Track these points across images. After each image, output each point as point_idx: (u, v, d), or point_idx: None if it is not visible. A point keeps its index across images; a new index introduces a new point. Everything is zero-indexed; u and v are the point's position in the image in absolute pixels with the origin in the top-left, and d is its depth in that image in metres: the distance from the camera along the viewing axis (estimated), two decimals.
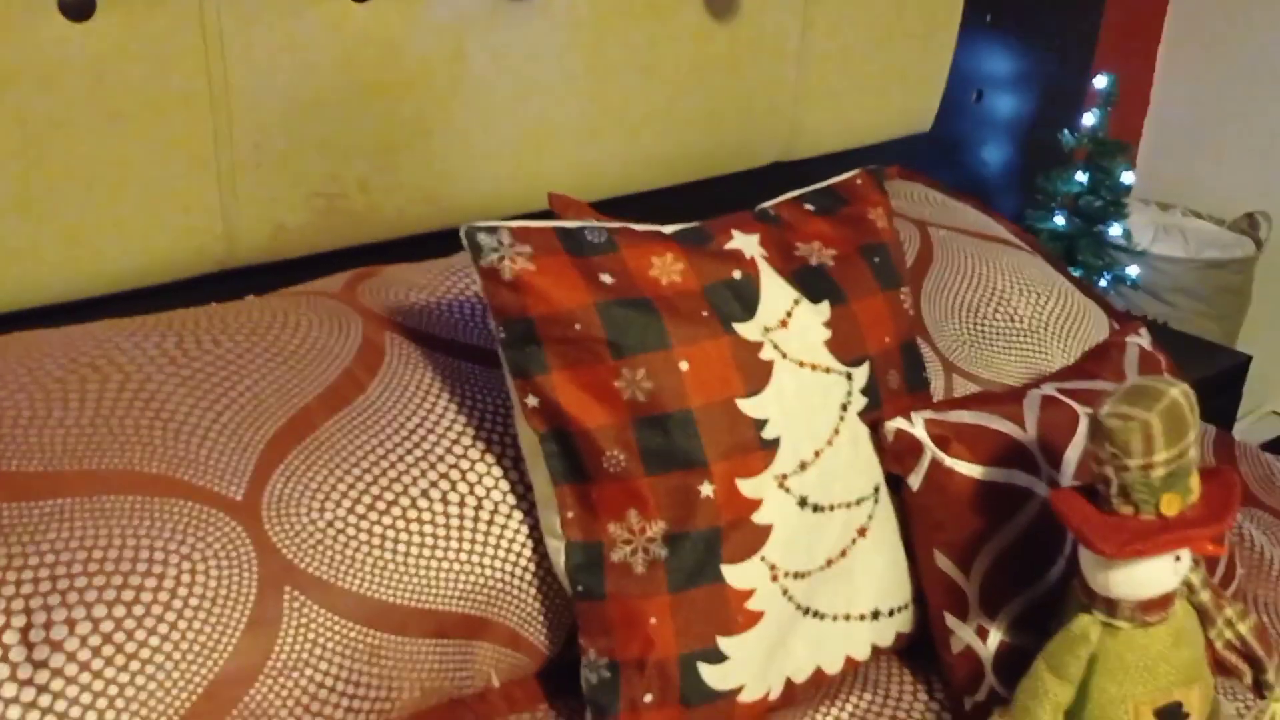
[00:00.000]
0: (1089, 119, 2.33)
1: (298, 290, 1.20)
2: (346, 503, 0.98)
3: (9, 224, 1.12)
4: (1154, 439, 0.85)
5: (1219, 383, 2.20)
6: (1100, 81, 2.33)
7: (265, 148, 1.25)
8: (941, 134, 2.11)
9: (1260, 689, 0.97)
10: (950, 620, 1.05)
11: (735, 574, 0.98)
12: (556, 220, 1.04)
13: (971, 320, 1.49)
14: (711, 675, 0.98)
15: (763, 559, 0.99)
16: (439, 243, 1.39)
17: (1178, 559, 0.89)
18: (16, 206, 1.11)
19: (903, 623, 1.11)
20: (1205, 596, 0.94)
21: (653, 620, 0.96)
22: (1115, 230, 2.36)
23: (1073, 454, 1.08)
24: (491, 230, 0.97)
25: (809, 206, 1.15)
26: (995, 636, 1.03)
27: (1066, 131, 2.34)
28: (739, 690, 0.99)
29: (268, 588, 0.92)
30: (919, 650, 1.13)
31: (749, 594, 0.99)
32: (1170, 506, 0.87)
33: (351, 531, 0.97)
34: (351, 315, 1.13)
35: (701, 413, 0.97)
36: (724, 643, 0.98)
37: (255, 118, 1.23)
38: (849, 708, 1.07)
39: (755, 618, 0.99)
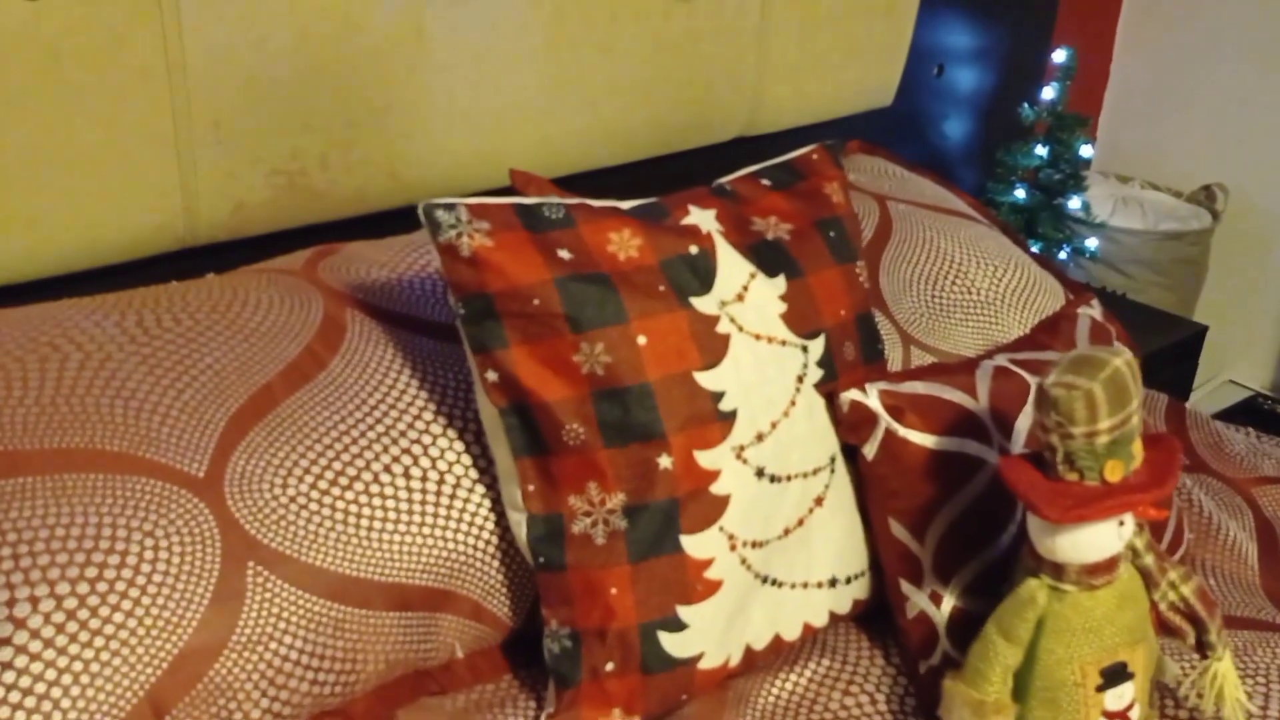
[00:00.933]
0: (1049, 92, 2.36)
1: (259, 268, 1.20)
2: (309, 479, 0.99)
3: None
4: (1097, 407, 0.88)
5: (1175, 353, 2.23)
6: (1059, 55, 2.36)
7: (224, 125, 1.25)
8: (903, 108, 2.13)
9: (1203, 649, 1.00)
10: (905, 586, 1.08)
11: (694, 544, 1.00)
12: (515, 196, 1.05)
13: (929, 293, 1.51)
14: (672, 643, 1.00)
15: (721, 529, 1.01)
16: (399, 220, 1.40)
17: (1121, 524, 0.91)
18: None
19: (860, 590, 1.13)
20: (1149, 560, 0.97)
21: (613, 590, 0.98)
22: (1074, 203, 2.39)
23: (1023, 423, 1.11)
24: (449, 207, 0.98)
25: (765, 181, 1.17)
26: (949, 602, 1.06)
27: (1026, 105, 2.37)
28: (699, 658, 1.02)
29: (231, 563, 0.93)
30: (876, 616, 1.15)
31: (708, 563, 1.01)
32: (1113, 473, 0.89)
33: (314, 507, 0.98)
34: (313, 292, 1.14)
35: (659, 386, 0.98)
36: (684, 611, 1.00)
37: (214, 94, 1.22)
38: (808, 673, 1.09)
39: (714, 587, 1.01)
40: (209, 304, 1.09)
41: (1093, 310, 1.30)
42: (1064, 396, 0.88)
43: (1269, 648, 1.14)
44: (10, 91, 1.10)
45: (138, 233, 1.23)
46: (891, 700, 1.07)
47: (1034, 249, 2.37)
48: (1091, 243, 2.42)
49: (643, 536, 0.99)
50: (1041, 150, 2.36)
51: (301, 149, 1.32)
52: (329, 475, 1.00)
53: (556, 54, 1.51)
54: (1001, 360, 1.17)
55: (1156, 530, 1.17)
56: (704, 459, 1.00)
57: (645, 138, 1.69)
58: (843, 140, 1.84)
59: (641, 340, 0.98)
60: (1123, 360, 0.90)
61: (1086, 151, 2.39)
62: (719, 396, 1.01)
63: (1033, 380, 1.14)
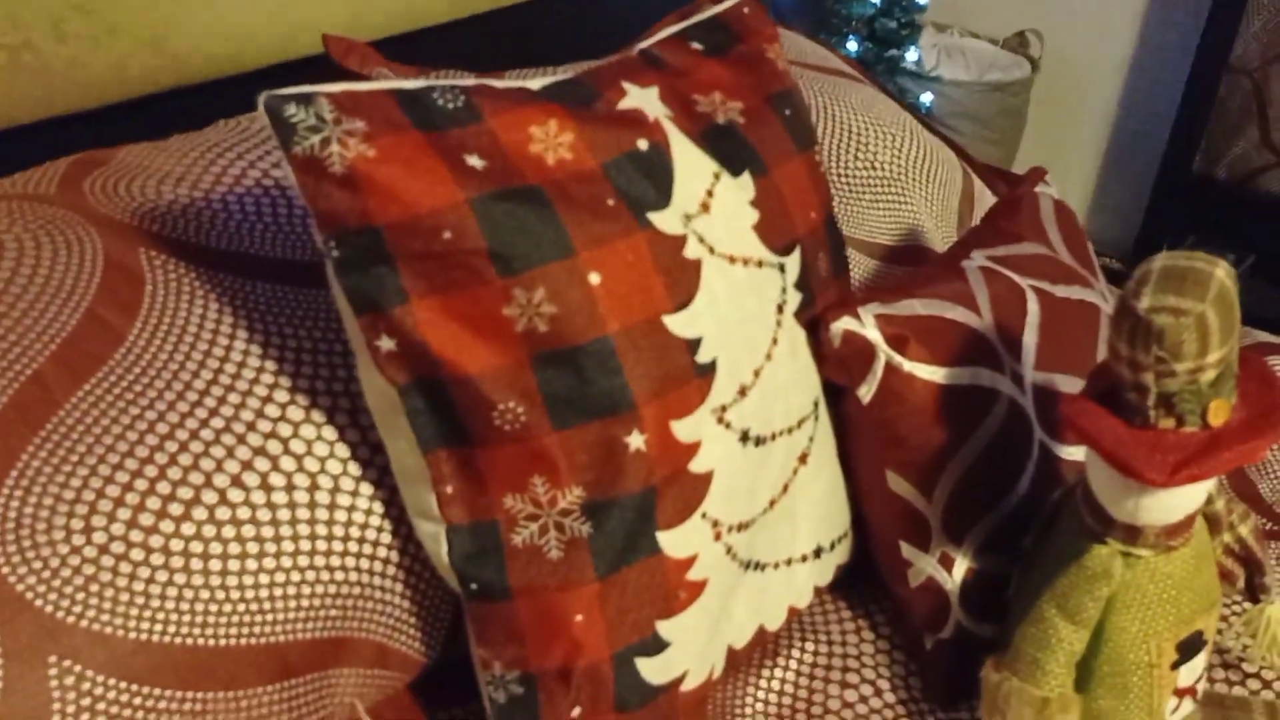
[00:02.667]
0: None
1: None
2: (124, 513, 0.67)
3: None
4: (1209, 336, 0.68)
5: None
6: None
7: None
8: None
9: (1255, 592, 0.86)
10: (908, 550, 0.88)
11: (673, 540, 0.76)
12: (385, 81, 0.73)
13: (836, 171, 1.29)
14: (651, 669, 0.76)
15: (704, 516, 0.77)
16: (174, 106, 1.04)
17: None
18: None
19: (841, 554, 0.93)
20: (1220, 504, 0.81)
21: (579, 618, 0.73)
22: (911, 55, 2.22)
23: (1029, 339, 0.91)
24: (305, 99, 0.66)
25: (696, 46, 0.89)
26: (962, 564, 0.87)
27: None
28: (682, 679, 0.79)
29: (21, 663, 0.61)
30: (852, 581, 0.96)
31: (690, 562, 0.77)
32: (1218, 415, 0.71)
33: (138, 555, 0.67)
34: (83, 227, 0.78)
35: (622, 339, 0.72)
36: (664, 627, 0.76)
37: None
38: (793, 665, 0.89)
39: (698, 589, 0.78)
40: None
41: (1050, 189, 1.12)
42: (1171, 326, 0.68)
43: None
44: None
45: None
46: (897, 687, 0.89)
47: None
48: (927, 97, 2.27)
49: (611, 542, 0.73)
50: None
51: (23, 14, 0.94)
52: (153, 504, 0.68)
53: None
54: (981, 259, 0.97)
55: None
56: (681, 430, 0.75)
57: None
58: None
59: (594, 279, 0.71)
60: (1223, 270, 0.70)
61: None
62: (695, 345, 0.75)
63: (1024, 282, 0.95)
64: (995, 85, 2.41)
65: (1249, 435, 0.70)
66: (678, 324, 0.75)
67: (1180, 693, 0.80)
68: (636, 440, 0.73)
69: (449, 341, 0.69)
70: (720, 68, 0.88)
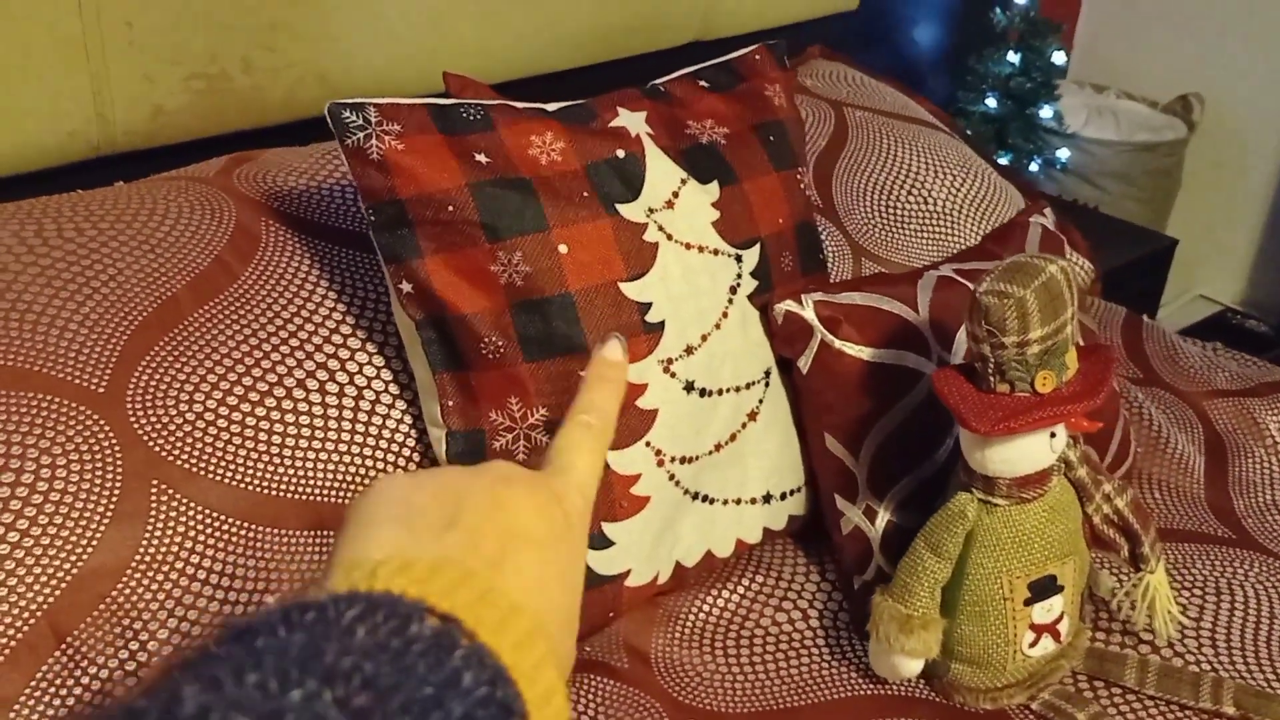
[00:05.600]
0: None
1: (170, 176, 1.14)
2: (217, 394, 0.95)
3: None
4: (1029, 316, 0.84)
5: (1144, 266, 2.20)
6: None
7: (138, 24, 1.19)
8: (869, 14, 2.05)
9: (1136, 561, 0.98)
10: (840, 502, 1.05)
11: (619, 459, 0.97)
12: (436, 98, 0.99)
13: (883, 202, 1.47)
14: (597, 561, 0.97)
15: (648, 444, 0.98)
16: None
17: (1053, 435, 0.89)
18: None
19: (795, 506, 1.11)
20: (1082, 472, 0.94)
21: None
22: (1046, 112, 2.33)
23: (964, 334, 1.07)
24: (357, 107, 0.92)
25: (703, 83, 1.11)
26: (883, 517, 1.03)
27: (998, 9, 2.29)
28: (626, 575, 0.99)
29: (133, 481, 0.90)
30: (814, 532, 1.13)
31: (634, 479, 0.98)
32: (1045, 384, 0.86)
33: (222, 424, 0.94)
34: (225, 200, 1.09)
35: (581, 296, 0.94)
36: (609, 528, 0.97)
37: None
38: (740, 590, 1.07)
39: (641, 503, 0.99)
40: (114, 213, 1.04)
41: (1045, 219, 1.26)
42: (995, 305, 0.84)
43: (1208, 560, 1.12)
44: None
45: (46, 140, 1.17)
46: (825, 616, 1.05)
47: (1004, 160, 2.32)
48: (1063, 154, 2.37)
49: None
50: (1013, 58, 2.30)
51: (221, 50, 1.26)
52: (238, 391, 0.96)
53: None
54: (946, 270, 1.13)
55: (1102, 442, 1.14)
56: (630, 373, 0.96)
57: (593, 41, 1.63)
58: (800, 45, 1.79)
59: (563, 249, 0.94)
60: (1058, 267, 0.86)
61: (1059, 59, 2.32)
62: (646, 308, 0.97)
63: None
64: (1143, 145, 2.47)
65: (1065, 402, 0.85)
66: (631, 290, 0.97)
67: (1038, 629, 0.93)
68: None
69: (449, 288, 0.93)
70: (718, 100, 1.10)
